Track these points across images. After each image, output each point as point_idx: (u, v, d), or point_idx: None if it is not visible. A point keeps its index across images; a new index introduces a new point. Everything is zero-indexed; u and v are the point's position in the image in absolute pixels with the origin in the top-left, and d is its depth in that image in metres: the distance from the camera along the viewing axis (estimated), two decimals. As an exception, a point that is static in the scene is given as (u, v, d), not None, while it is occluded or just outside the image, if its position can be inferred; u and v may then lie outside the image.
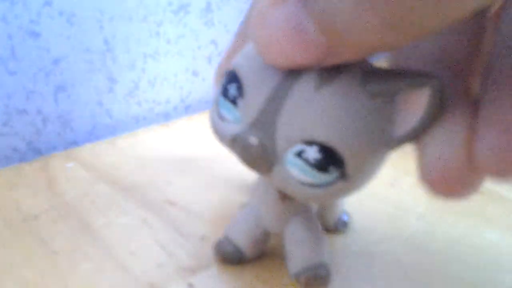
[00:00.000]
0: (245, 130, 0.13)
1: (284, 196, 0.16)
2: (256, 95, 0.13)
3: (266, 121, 0.13)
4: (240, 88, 0.13)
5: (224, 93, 0.14)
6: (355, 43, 0.10)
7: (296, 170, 0.13)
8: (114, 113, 0.32)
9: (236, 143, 0.13)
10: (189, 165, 0.25)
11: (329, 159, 0.12)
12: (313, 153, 0.12)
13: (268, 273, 0.17)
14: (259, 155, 0.13)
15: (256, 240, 0.17)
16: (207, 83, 0.36)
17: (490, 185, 0.24)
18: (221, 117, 0.14)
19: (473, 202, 0.22)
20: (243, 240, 0.17)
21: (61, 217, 0.20)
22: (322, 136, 0.12)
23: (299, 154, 0.12)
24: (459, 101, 0.12)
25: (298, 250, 0.17)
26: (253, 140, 0.13)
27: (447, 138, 0.12)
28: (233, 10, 0.35)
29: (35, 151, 0.29)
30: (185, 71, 0.35)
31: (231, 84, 0.13)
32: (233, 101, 0.13)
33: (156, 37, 0.33)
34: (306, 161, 0.12)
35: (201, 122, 0.31)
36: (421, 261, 0.18)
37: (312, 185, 0.13)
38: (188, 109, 0.36)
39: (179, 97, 0.35)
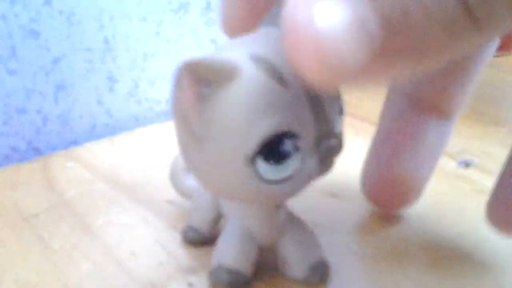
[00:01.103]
0: (319, 144, 0.13)
1: (278, 205, 0.16)
2: (307, 126, 0.13)
3: (323, 129, 0.13)
4: (292, 134, 0.12)
5: (282, 157, 0.12)
6: (418, 50, 0.09)
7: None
8: (114, 112, 0.32)
9: (323, 160, 0.14)
10: (189, 164, 0.25)
11: None
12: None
13: (268, 271, 0.17)
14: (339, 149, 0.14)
15: (252, 257, 0.16)
16: (207, 82, 0.36)
17: (490, 185, 0.24)
18: (287, 179, 0.13)
19: (473, 202, 0.22)
20: (240, 261, 0.16)
21: (60, 216, 0.20)
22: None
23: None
24: None
25: (302, 253, 0.16)
26: (334, 141, 0.14)
27: None
28: (233, 9, 0.35)
29: (35, 151, 0.29)
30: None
31: (283, 142, 0.12)
32: (296, 149, 0.13)
33: (156, 36, 0.33)
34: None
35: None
36: (421, 261, 0.18)
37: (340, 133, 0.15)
38: (188, 108, 0.36)
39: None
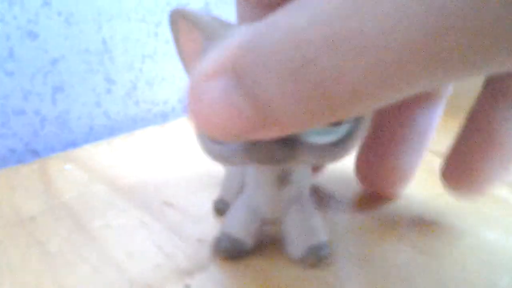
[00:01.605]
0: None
1: (282, 183, 0.16)
2: None
3: None
4: None
5: None
6: (283, 119, 0.10)
7: (316, 136, 0.14)
8: (112, 113, 0.32)
9: (251, 151, 0.13)
10: (187, 166, 0.25)
11: None
12: None
13: (266, 273, 0.17)
14: (279, 147, 0.13)
15: (254, 230, 0.17)
16: (206, 84, 0.36)
17: (488, 186, 0.24)
18: (219, 142, 0.14)
19: (470, 203, 0.22)
20: (242, 231, 0.17)
21: (58, 218, 0.20)
22: None
23: None
24: None
25: (301, 233, 0.17)
26: None
27: None
28: (231, 10, 0.35)
29: (32, 152, 0.29)
30: (183, 72, 0.35)
31: None
32: None
33: (154, 38, 0.33)
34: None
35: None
36: (418, 262, 0.18)
37: (334, 143, 0.14)
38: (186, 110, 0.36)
39: (177, 97, 0.35)
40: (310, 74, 0.09)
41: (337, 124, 0.14)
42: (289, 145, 0.13)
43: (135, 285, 0.17)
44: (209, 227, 0.20)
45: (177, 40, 0.14)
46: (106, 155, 0.26)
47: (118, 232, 0.19)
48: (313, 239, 0.17)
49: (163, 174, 0.24)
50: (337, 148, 0.14)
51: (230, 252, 0.17)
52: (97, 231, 0.19)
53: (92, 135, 0.31)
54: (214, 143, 0.14)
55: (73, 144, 0.30)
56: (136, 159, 0.26)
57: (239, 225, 0.17)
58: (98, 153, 0.26)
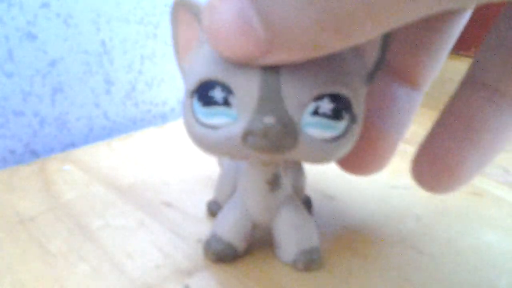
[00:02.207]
0: (254, 118, 0.13)
1: (272, 187, 0.17)
2: (248, 83, 0.13)
3: (271, 99, 0.13)
4: (225, 88, 0.13)
5: (207, 102, 0.13)
6: (294, 42, 0.10)
7: (317, 129, 0.13)
8: (111, 114, 0.32)
9: (252, 136, 0.13)
10: (186, 167, 0.25)
11: (340, 105, 0.13)
12: (326, 104, 0.13)
13: (265, 274, 0.17)
14: (282, 131, 0.13)
15: (245, 233, 0.17)
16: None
17: (486, 187, 0.24)
18: (213, 127, 0.14)
19: (469, 204, 0.22)
20: (233, 235, 0.17)
21: (58, 219, 0.20)
22: (328, 86, 0.13)
23: (315, 112, 0.13)
24: None
25: (292, 237, 0.17)
26: (270, 119, 0.13)
27: None
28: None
29: (32, 153, 0.29)
30: (182, 73, 0.35)
31: (212, 90, 0.13)
32: (225, 103, 0.13)
33: (153, 39, 0.33)
34: (324, 115, 0.13)
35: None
36: (418, 263, 0.18)
37: (334, 139, 0.14)
38: (185, 110, 0.36)
39: (176, 98, 0.35)
40: None
41: (338, 118, 0.13)
42: (290, 133, 0.13)
43: (135, 285, 0.17)
44: (208, 228, 0.20)
45: (175, 30, 0.15)
46: (105, 156, 0.26)
47: (118, 233, 0.19)
48: (305, 243, 0.17)
49: (163, 174, 0.24)
50: (334, 144, 0.14)
51: (221, 255, 0.17)
52: (96, 231, 0.20)
53: (91, 136, 0.31)
54: (212, 129, 0.14)
55: (72, 145, 0.30)
56: (135, 160, 0.26)
57: (230, 229, 0.17)
58: (97, 154, 0.26)
